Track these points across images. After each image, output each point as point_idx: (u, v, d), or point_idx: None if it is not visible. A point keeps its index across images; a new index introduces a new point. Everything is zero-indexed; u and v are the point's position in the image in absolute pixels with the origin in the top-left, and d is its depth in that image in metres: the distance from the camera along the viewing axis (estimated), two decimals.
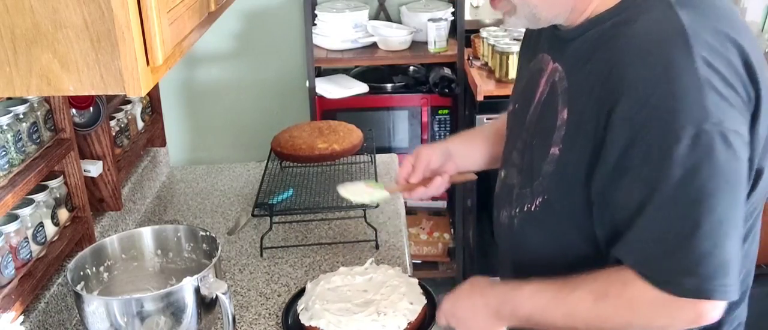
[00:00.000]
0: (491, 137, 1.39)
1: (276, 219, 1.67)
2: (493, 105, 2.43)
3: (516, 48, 2.37)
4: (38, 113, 1.31)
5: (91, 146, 1.56)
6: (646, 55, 0.91)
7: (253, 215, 1.63)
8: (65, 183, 1.41)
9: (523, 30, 1.24)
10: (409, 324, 1.23)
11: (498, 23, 2.80)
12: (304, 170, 1.88)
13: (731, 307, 1.10)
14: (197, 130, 3.05)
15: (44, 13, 0.77)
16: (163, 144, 2.05)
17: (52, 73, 0.80)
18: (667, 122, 0.88)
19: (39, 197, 1.31)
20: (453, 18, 2.73)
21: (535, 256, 1.11)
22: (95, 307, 1.13)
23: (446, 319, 1.20)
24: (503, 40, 2.52)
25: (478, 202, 2.70)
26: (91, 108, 1.50)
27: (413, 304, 1.26)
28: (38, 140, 1.30)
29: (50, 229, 1.34)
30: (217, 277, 1.19)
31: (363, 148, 1.84)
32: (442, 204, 3.01)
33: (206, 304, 1.17)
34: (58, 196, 1.38)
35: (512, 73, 2.44)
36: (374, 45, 2.70)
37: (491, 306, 1.11)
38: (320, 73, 2.78)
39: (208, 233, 1.30)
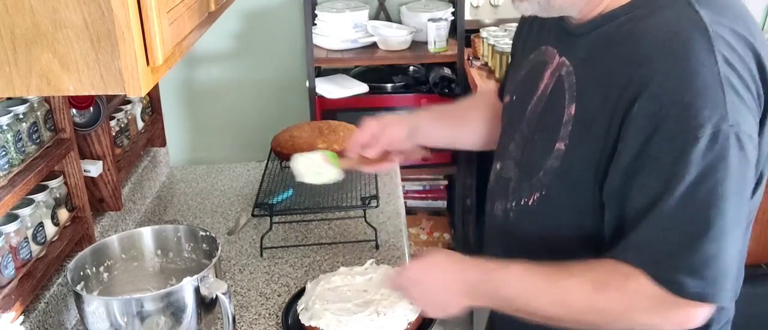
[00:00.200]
0: (462, 118, 1.38)
1: (276, 219, 1.67)
2: None
3: None
4: (38, 113, 1.31)
5: (91, 146, 1.56)
6: (668, 51, 0.90)
7: (253, 215, 1.63)
8: (65, 183, 1.41)
9: None
10: (409, 324, 1.23)
11: (498, 23, 2.80)
12: None
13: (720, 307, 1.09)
14: (197, 130, 3.04)
15: (44, 13, 0.77)
16: (163, 144, 2.05)
17: (52, 73, 0.80)
18: (686, 119, 0.87)
19: (39, 197, 1.31)
20: (453, 18, 2.73)
21: (528, 251, 1.08)
22: (95, 307, 1.13)
23: (405, 285, 1.12)
24: (503, 40, 2.51)
25: (478, 202, 2.70)
26: (91, 108, 1.50)
27: (413, 305, 1.26)
28: (38, 140, 1.30)
29: (50, 229, 1.34)
30: (217, 277, 1.19)
31: None
32: (442, 204, 3.01)
33: (206, 304, 1.17)
34: (58, 196, 1.38)
35: None
36: (374, 45, 2.70)
37: (469, 282, 1.05)
38: (320, 73, 2.78)
39: (208, 233, 1.30)
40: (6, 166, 1.20)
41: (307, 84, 2.64)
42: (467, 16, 2.80)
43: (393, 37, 2.66)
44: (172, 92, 2.93)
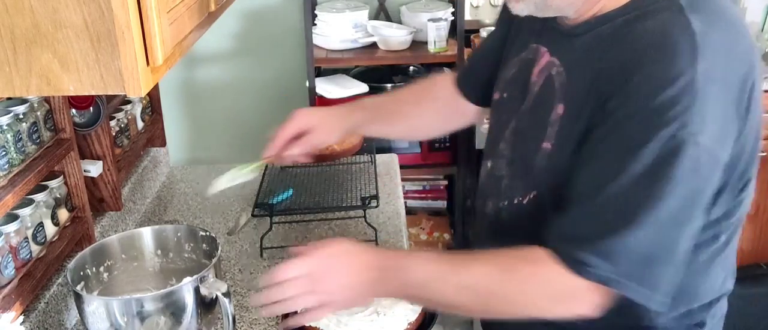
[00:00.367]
0: (400, 113, 1.39)
1: (276, 219, 1.67)
2: None
3: None
4: (38, 113, 1.31)
5: (91, 146, 1.56)
6: (651, 54, 0.91)
7: (253, 215, 1.63)
8: (65, 183, 1.41)
9: None
10: (409, 324, 1.23)
11: None
12: (304, 170, 1.88)
13: (711, 303, 1.12)
14: (197, 130, 3.04)
15: (44, 13, 0.77)
16: (163, 144, 2.05)
17: (52, 73, 0.80)
18: (649, 121, 0.89)
19: (39, 197, 1.31)
20: (453, 18, 2.73)
21: None
22: (95, 307, 1.13)
23: (309, 279, 1.02)
24: None
25: None
26: (91, 108, 1.50)
27: (413, 305, 1.26)
28: (38, 140, 1.30)
29: (50, 229, 1.34)
30: (217, 277, 1.19)
31: (363, 148, 1.84)
32: (442, 204, 3.01)
33: (206, 304, 1.17)
34: (58, 196, 1.38)
35: None
36: (374, 45, 2.70)
37: (378, 269, 1.02)
38: (320, 73, 2.78)
39: (208, 233, 1.30)
40: (6, 166, 1.20)
41: (307, 84, 2.64)
42: (467, 16, 2.80)
43: (393, 37, 2.66)
44: (172, 92, 2.93)
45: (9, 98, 1.26)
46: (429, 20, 2.64)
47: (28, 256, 1.25)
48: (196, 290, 1.15)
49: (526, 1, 1.01)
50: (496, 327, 1.27)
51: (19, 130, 1.24)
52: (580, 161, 0.96)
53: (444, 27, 2.64)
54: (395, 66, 2.75)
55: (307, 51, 2.59)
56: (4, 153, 1.20)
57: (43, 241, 1.30)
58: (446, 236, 2.93)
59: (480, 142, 2.58)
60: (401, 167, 2.06)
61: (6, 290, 1.17)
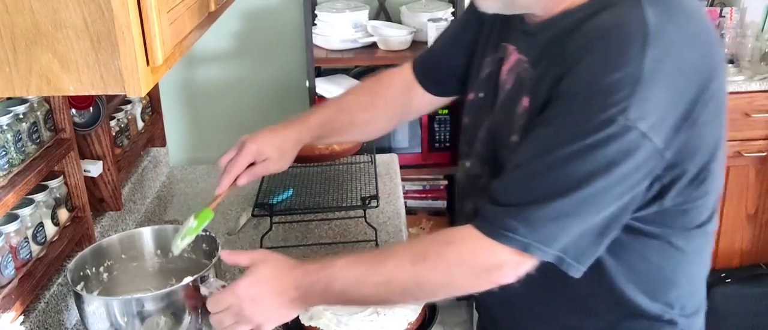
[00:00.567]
0: (351, 123, 1.38)
1: (276, 219, 1.67)
2: None
3: None
4: (38, 113, 1.31)
5: (91, 146, 1.56)
6: (602, 42, 0.94)
7: (253, 215, 1.63)
8: (65, 183, 1.41)
9: None
10: (409, 324, 1.23)
11: None
12: (304, 170, 1.88)
13: (692, 292, 1.15)
14: (197, 130, 3.04)
15: (44, 13, 0.77)
16: (163, 144, 2.05)
17: (52, 73, 0.80)
18: (589, 104, 0.92)
19: (39, 197, 1.31)
20: (453, 18, 2.73)
21: None
22: (95, 307, 1.13)
23: (238, 307, 1.07)
24: None
25: None
26: (91, 108, 1.50)
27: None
28: (38, 140, 1.30)
29: (50, 229, 1.34)
30: (216, 277, 1.19)
31: (363, 148, 1.84)
32: (442, 204, 3.01)
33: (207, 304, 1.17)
34: (58, 196, 1.38)
35: None
36: (374, 45, 2.70)
37: (301, 287, 1.06)
38: (320, 73, 2.78)
39: (208, 233, 1.30)
40: (6, 166, 1.20)
41: (307, 84, 2.64)
42: None
43: (393, 37, 2.66)
44: (172, 92, 2.93)
45: (9, 98, 1.26)
46: (429, 20, 2.64)
47: (28, 256, 1.25)
48: (196, 289, 1.15)
49: None
50: (493, 327, 1.28)
51: (19, 130, 1.24)
52: (522, 137, 1.00)
53: (444, 27, 2.63)
54: (395, 66, 2.75)
55: (307, 51, 2.59)
56: (4, 153, 1.20)
57: (43, 241, 1.30)
58: None
59: None
60: (401, 167, 2.06)
61: (6, 290, 1.17)
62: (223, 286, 1.13)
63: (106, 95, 1.53)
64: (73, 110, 1.47)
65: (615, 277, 1.06)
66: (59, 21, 0.78)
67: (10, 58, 0.80)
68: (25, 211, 1.25)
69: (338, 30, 2.66)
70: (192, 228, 1.22)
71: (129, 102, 1.80)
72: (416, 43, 2.70)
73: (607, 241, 0.99)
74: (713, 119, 0.99)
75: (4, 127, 1.21)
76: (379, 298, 1.04)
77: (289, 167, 1.87)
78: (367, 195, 1.62)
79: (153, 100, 1.98)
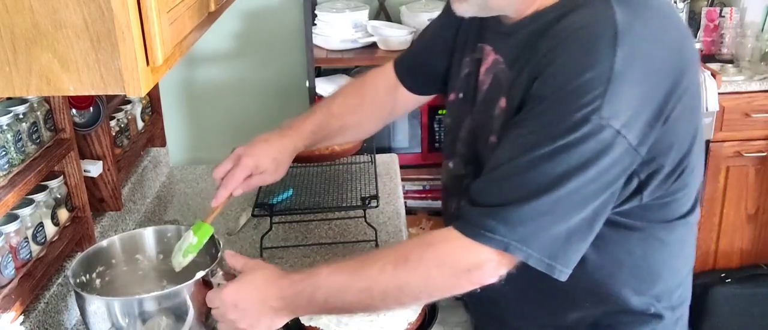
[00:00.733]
0: (343, 128, 1.40)
1: (276, 219, 1.67)
2: None
3: None
4: (38, 113, 1.31)
5: (91, 146, 1.56)
6: (572, 42, 0.95)
7: (253, 215, 1.63)
8: (65, 183, 1.41)
9: None
10: (409, 324, 1.23)
11: None
12: (304, 170, 1.88)
13: (677, 285, 1.16)
14: (197, 130, 3.04)
15: (44, 13, 0.77)
16: (163, 144, 2.05)
17: (52, 73, 0.80)
18: (563, 104, 0.93)
19: (39, 197, 1.31)
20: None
21: None
22: (97, 307, 1.13)
23: (223, 310, 1.10)
24: None
25: None
26: (91, 108, 1.50)
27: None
28: (38, 140, 1.30)
29: (50, 229, 1.34)
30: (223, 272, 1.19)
31: (363, 148, 1.84)
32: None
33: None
34: (58, 196, 1.38)
35: None
36: (374, 45, 2.70)
37: (286, 297, 1.07)
38: (320, 73, 2.78)
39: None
40: (6, 166, 1.20)
41: (307, 84, 2.63)
42: None
43: (393, 37, 2.66)
44: (172, 92, 2.93)
45: (9, 98, 1.26)
46: (429, 20, 2.64)
47: (28, 256, 1.25)
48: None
49: (469, 2, 1.05)
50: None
51: (19, 130, 1.24)
52: (500, 139, 1.01)
53: None
54: None
55: (307, 51, 2.59)
56: (4, 153, 1.20)
57: (43, 241, 1.30)
58: None
59: None
60: (401, 167, 2.06)
61: (6, 290, 1.17)
62: (226, 280, 1.14)
63: (106, 95, 1.53)
64: (73, 110, 1.47)
65: (598, 271, 1.07)
66: (59, 21, 0.78)
67: (10, 58, 0.80)
68: (25, 211, 1.25)
69: (338, 30, 2.66)
70: (193, 245, 1.22)
71: (129, 102, 1.80)
72: None
73: (588, 240, 0.99)
74: (687, 114, 1.00)
75: (4, 127, 1.21)
76: (363, 305, 1.05)
77: (289, 167, 1.88)
78: (367, 195, 1.62)
79: (153, 100, 1.98)
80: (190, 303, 1.14)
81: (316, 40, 2.67)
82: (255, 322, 1.09)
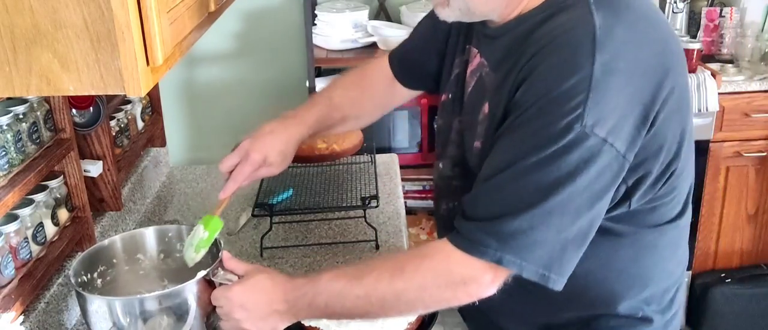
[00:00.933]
0: (343, 120, 1.42)
1: (276, 219, 1.67)
2: None
3: None
4: (38, 113, 1.31)
5: (91, 146, 1.56)
6: (553, 48, 0.94)
7: (253, 215, 1.63)
8: (65, 183, 1.41)
9: None
10: (409, 324, 1.23)
11: None
12: (304, 170, 1.88)
13: (667, 289, 1.15)
14: (197, 130, 3.04)
15: (44, 13, 0.77)
16: (163, 144, 2.05)
17: (52, 73, 0.80)
18: (546, 113, 0.92)
19: (39, 197, 1.31)
20: None
21: None
22: (98, 307, 1.13)
23: (228, 308, 1.11)
24: None
25: None
26: (91, 108, 1.50)
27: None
28: (38, 140, 1.30)
29: (50, 229, 1.34)
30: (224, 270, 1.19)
31: (363, 148, 1.84)
32: None
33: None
34: (58, 196, 1.38)
35: None
36: (374, 45, 2.70)
37: (289, 301, 1.09)
38: (320, 73, 2.78)
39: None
40: (6, 166, 1.20)
41: (307, 84, 2.63)
42: None
43: (393, 37, 2.66)
44: (172, 92, 2.93)
45: (9, 98, 1.26)
46: None
47: (28, 256, 1.25)
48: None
49: (451, 7, 1.05)
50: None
51: (19, 130, 1.24)
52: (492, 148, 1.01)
53: None
54: None
55: (307, 51, 2.59)
56: (4, 153, 1.20)
57: (43, 241, 1.30)
58: None
59: None
60: (401, 167, 2.06)
61: (6, 290, 1.17)
62: (229, 280, 1.14)
63: (106, 95, 1.53)
64: (73, 110, 1.47)
65: (584, 276, 1.06)
66: (59, 21, 0.78)
67: (10, 58, 0.80)
68: (25, 211, 1.25)
69: (338, 30, 2.66)
70: (204, 240, 1.22)
71: (129, 102, 1.80)
72: None
73: (582, 249, 0.99)
74: (674, 117, 0.99)
75: (4, 127, 1.21)
76: (361, 311, 1.06)
77: (289, 167, 1.88)
78: (367, 195, 1.63)
79: (153, 100, 1.98)
80: (191, 302, 1.14)
81: (316, 40, 2.67)
82: (260, 322, 1.10)
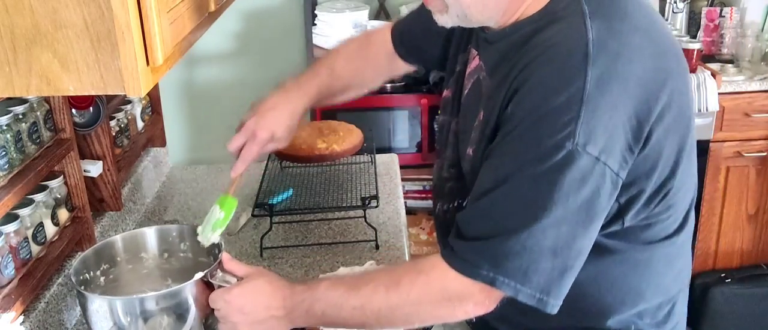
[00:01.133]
0: (346, 88, 1.42)
1: (276, 219, 1.67)
2: None
3: None
4: (38, 113, 1.31)
5: (91, 146, 1.56)
6: (545, 61, 0.92)
7: (253, 215, 1.63)
8: (65, 183, 1.41)
9: None
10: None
11: None
12: (304, 170, 1.88)
13: (661, 305, 1.13)
14: (197, 130, 3.05)
15: (44, 13, 0.77)
16: (163, 144, 2.05)
17: (52, 73, 0.80)
18: (536, 130, 0.90)
19: (39, 197, 1.31)
20: None
21: None
22: (98, 307, 1.12)
23: (227, 311, 1.10)
24: None
25: None
26: (91, 108, 1.50)
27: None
28: (38, 140, 1.30)
29: (50, 229, 1.34)
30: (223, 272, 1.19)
31: (363, 148, 1.84)
32: None
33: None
34: (58, 196, 1.38)
35: None
36: None
37: (287, 306, 1.09)
38: None
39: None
40: (6, 166, 1.20)
41: None
42: None
43: None
44: (172, 92, 2.93)
45: (9, 98, 1.26)
46: None
47: (28, 256, 1.25)
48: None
49: (449, 14, 1.03)
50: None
51: (19, 130, 1.24)
52: (484, 163, 0.99)
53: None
54: None
55: (307, 51, 2.59)
56: (4, 153, 1.20)
57: (43, 241, 1.30)
58: None
59: None
60: (401, 167, 2.06)
61: (6, 290, 1.17)
62: (228, 282, 1.14)
63: (106, 95, 1.53)
64: (73, 110, 1.47)
65: (577, 288, 1.01)
66: (59, 21, 0.78)
67: (10, 58, 0.80)
68: (25, 211, 1.25)
69: (338, 30, 2.66)
70: (221, 219, 1.22)
71: (129, 102, 1.80)
72: None
73: (577, 270, 0.96)
74: (670, 134, 0.96)
75: (4, 127, 1.21)
76: (357, 322, 1.05)
77: (289, 167, 1.88)
78: (367, 195, 1.62)
79: (153, 100, 1.98)
80: (191, 302, 1.14)
81: (316, 40, 2.67)
82: (257, 326, 1.10)
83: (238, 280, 1.13)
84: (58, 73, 0.80)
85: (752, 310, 2.79)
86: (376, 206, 1.59)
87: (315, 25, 2.70)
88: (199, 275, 1.14)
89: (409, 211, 2.83)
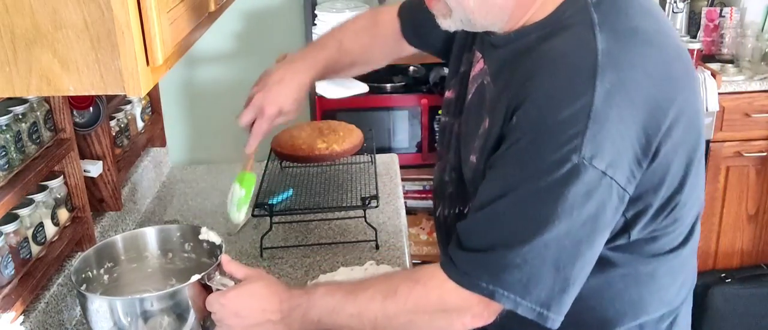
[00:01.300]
0: (352, 64, 1.42)
1: (276, 219, 1.67)
2: None
3: None
4: (38, 113, 1.31)
5: (91, 146, 1.56)
6: (552, 72, 0.90)
7: (253, 215, 1.63)
8: (65, 183, 1.41)
9: None
10: None
11: None
12: (304, 170, 1.88)
13: (663, 317, 1.10)
14: (197, 130, 3.04)
15: (44, 13, 0.77)
16: (163, 144, 2.05)
17: (52, 73, 0.80)
18: (542, 143, 0.88)
19: (39, 197, 1.31)
20: None
21: None
22: (99, 307, 1.12)
23: (223, 314, 1.10)
24: None
25: None
26: (91, 108, 1.50)
27: None
28: (38, 140, 1.30)
29: (50, 230, 1.34)
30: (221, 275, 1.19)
31: (363, 148, 1.84)
32: None
33: None
34: (58, 196, 1.38)
35: None
36: None
37: (284, 310, 1.08)
38: None
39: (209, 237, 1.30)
40: (6, 166, 1.20)
41: None
42: None
43: None
44: (172, 92, 2.93)
45: (9, 98, 1.26)
46: None
47: (28, 256, 1.25)
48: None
49: (452, 18, 1.01)
50: None
51: (19, 130, 1.24)
52: (487, 174, 0.97)
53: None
54: (395, 66, 2.75)
55: None
56: (4, 153, 1.20)
57: (43, 241, 1.30)
58: None
59: None
60: (401, 167, 2.06)
61: (6, 290, 1.17)
62: (225, 286, 1.13)
63: (106, 95, 1.53)
64: (73, 110, 1.47)
65: (578, 300, 0.98)
66: (59, 21, 0.78)
67: (10, 58, 0.80)
68: (25, 211, 1.25)
69: None
70: (243, 197, 1.23)
71: (129, 102, 1.80)
72: None
73: (580, 285, 0.94)
74: (679, 148, 0.94)
75: (4, 127, 1.21)
76: (354, 329, 1.04)
77: (289, 167, 1.88)
78: (367, 195, 1.62)
79: (153, 100, 1.98)
80: (191, 303, 1.14)
81: None
82: (257, 328, 1.09)
83: (235, 283, 1.13)
84: (58, 73, 0.80)
85: (752, 310, 2.79)
86: (376, 206, 1.59)
87: (315, 25, 2.69)
88: (195, 278, 1.14)
89: (409, 211, 2.83)
